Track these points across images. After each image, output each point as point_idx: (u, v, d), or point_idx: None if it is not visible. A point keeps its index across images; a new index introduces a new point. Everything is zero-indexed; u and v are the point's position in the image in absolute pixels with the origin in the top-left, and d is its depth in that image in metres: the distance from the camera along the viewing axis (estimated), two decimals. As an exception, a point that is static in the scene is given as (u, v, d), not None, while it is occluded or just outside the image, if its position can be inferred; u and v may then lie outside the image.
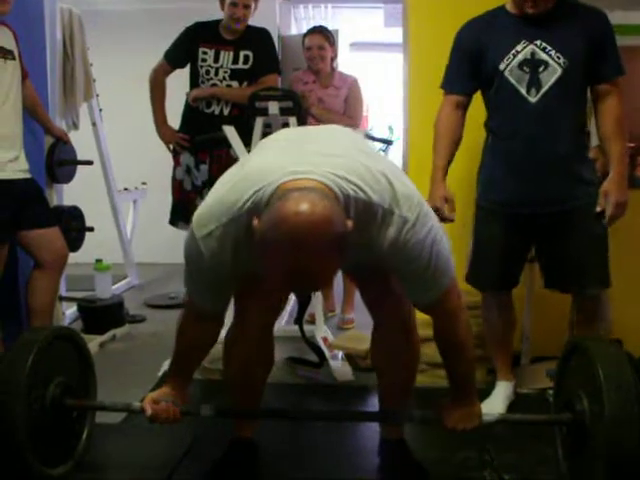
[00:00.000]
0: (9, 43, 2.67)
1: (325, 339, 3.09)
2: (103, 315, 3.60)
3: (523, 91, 2.33)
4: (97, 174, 4.36)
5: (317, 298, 3.13)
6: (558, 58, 2.29)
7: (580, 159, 2.40)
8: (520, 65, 2.32)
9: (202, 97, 3.44)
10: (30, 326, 2.81)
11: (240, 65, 3.42)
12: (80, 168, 3.62)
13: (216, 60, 3.43)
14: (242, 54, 3.42)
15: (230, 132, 3.03)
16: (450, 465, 2.15)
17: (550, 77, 2.30)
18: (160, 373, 2.85)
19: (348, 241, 1.42)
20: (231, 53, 3.42)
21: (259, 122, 3.05)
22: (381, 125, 8.63)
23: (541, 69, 2.30)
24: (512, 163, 2.40)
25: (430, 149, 3.12)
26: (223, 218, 1.57)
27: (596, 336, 2.41)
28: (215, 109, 3.45)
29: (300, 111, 3.06)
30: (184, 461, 2.17)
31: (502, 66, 2.34)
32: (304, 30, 4.79)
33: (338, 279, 3.93)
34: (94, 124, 4.30)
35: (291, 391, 2.78)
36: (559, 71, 2.30)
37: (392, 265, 1.65)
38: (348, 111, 3.74)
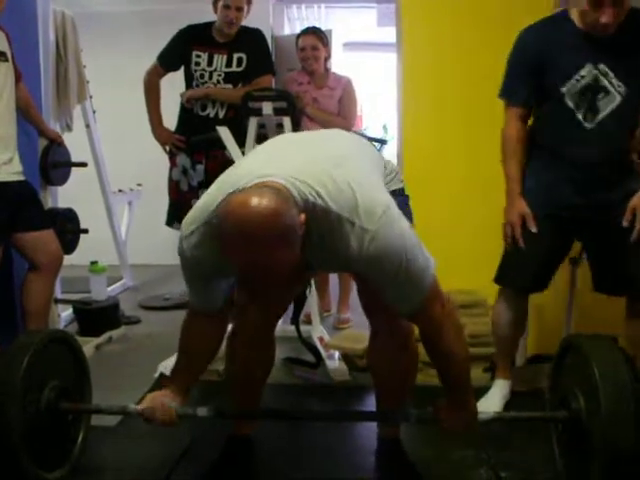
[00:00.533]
0: (2, 45, 2.66)
1: (321, 339, 3.09)
2: (98, 317, 3.59)
3: (580, 116, 2.31)
4: (92, 176, 4.35)
5: (313, 298, 3.13)
6: (619, 86, 2.26)
7: (631, 174, 2.38)
8: (581, 91, 2.29)
9: (196, 97, 3.45)
10: (25, 329, 2.81)
11: (234, 68, 3.43)
12: (74, 170, 3.61)
13: (210, 64, 3.43)
14: (236, 57, 3.42)
15: (224, 133, 3.03)
16: (447, 463, 2.16)
17: (608, 105, 2.28)
18: (156, 374, 2.84)
19: (299, 236, 1.47)
20: (225, 56, 3.42)
21: (253, 122, 3.05)
22: (375, 125, 8.65)
23: (600, 95, 2.27)
24: (561, 177, 2.38)
25: (424, 149, 3.14)
26: (202, 220, 1.63)
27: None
28: (210, 112, 3.45)
29: (294, 111, 3.07)
30: (181, 462, 2.16)
31: (564, 89, 2.30)
32: (297, 30, 4.79)
33: (334, 278, 3.93)
34: (88, 126, 4.28)
35: (288, 391, 2.78)
36: (618, 99, 2.27)
37: (363, 273, 1.65)
38: (342, 111, 3.74)
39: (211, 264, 1.65)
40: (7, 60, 2.68)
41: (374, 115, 8.68)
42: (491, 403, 2.48)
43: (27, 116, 3.02)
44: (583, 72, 2.27)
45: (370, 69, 8.19)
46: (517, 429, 2.29)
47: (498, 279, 2.53)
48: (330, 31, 4.10)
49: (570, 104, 2.31)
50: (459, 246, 2.88)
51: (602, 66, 2.26)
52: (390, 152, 4.29)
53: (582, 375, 1.84)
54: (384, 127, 8.54)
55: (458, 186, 3.09)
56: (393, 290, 1.65)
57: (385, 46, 5.71)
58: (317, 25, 4.56)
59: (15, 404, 1.81)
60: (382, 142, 4.13)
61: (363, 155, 1.84)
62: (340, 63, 5.82)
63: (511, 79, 2.43)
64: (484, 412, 1.94)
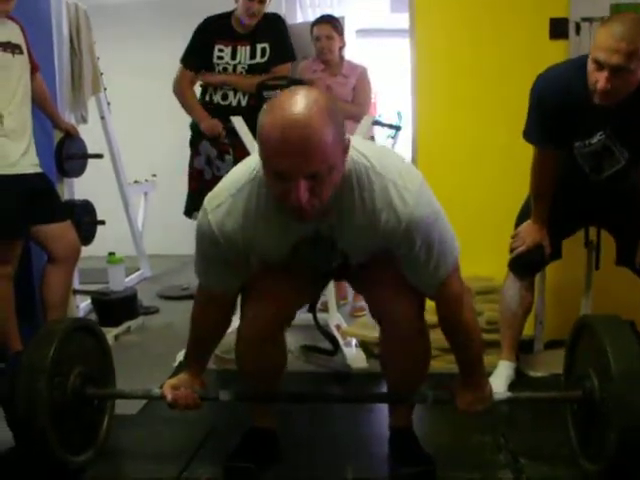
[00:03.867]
0: (17, 38, 2.68)
1: (338, 326, 3.10)
2: (117, 307, 3.62)
3: (586, 170, 2.42)
4: (107, 167, 4.37)
5: (329, 286, 3.14)
6: (621, 152, 2.32)
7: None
8: (590, 153, 2.36)
9: (213, 83, 3.39)
10: (45, 320, 2.84)
11: (257, 59, 3.36)
12: (90, 162, 3.64)
13: (233, 57, 3.36)
14: (259, 47, 3.35)
15: (238, 122, 3.03)
16: (466, 449, 2.16)
17: (612, 166, 2.37)
18: (175, 364, 2.87)
19: (341, 127, 1.47)
20: (248, 48, 3.35)
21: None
22: (389, 111, 8.60)
23: (606, 156, 2.35)
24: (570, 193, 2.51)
25: (438, 135, 3.14)
26: (232, 189, 1.64)
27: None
28: (232, 101, 3.39)
29: (308, 99, 3.05)
30: (202, 449, 2.18)
31: (576, 144, 2.37)
32: (310, 18, 4.77)
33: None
34: (103, 117, 4.31)
35: (306, 379, 2.79)
36: (622, 162, 2.35)
37: (396, 247, 1.66)
38: (356, 99, 3.72)
39: (237, 240, 1.66)
40: (22, 53, 2.69)
41: (388, 102, 8.63)
42: (496, 384, 2.45)
43: (42, 108, 3.04)
44: (594, 139, 2.32)
45: (384, 55, 8.15)
46: (536, 414, 2.30)
47: (510, 266, 2.62)
48: (343, 18, 4.08)
49: (579, 159, 2.40)
50: (475, 233, 2.87)
51: (610, 131, 2.29)
52: (405, 138, 4.27)
53: (595, 355, 1.85)
54: (398, 114, 8.49)
55: (474, 172, 3.09)
56: (423, 260, 1.67)
57: (398, 32, 5.68)
58: (329, 12, 4.53)
59: (43, 389, 1.85)
60: (397, 128, 4.12)
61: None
62: (353, 50, 5.79)
63: (535, 127, 2.42)
64: (499, 392, 1.97)
